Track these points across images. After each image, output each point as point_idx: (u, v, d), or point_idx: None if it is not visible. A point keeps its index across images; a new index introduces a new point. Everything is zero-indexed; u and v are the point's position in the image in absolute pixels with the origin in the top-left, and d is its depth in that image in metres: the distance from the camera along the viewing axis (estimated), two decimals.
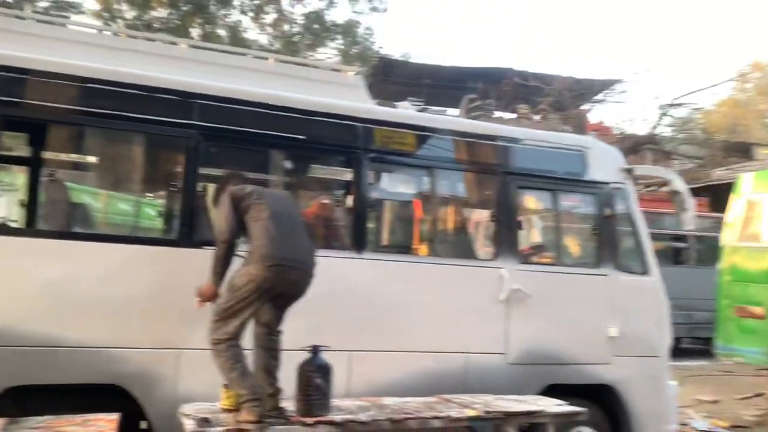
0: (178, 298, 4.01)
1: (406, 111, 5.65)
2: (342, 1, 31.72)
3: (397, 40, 65.43)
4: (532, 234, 6.24)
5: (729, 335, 8.60)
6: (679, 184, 5.58)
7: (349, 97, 4.89)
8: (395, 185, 6.09)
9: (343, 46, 25.05)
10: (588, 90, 20.61)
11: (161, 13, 22.28)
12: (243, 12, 23.71)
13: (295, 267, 3.71)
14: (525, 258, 5.18)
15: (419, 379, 4.55)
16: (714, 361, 10.37)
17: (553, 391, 4.80)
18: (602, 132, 20.33)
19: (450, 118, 12.84)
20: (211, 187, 4.59)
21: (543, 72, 20.90)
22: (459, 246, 5.72)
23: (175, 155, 4.61)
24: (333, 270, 4.19)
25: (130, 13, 21.75)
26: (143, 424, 4.10)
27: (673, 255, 13.22)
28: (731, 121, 37.14)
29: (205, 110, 4.29)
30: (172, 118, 4.23)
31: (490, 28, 67.57)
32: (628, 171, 5.50)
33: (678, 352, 11.17)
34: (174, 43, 5.29)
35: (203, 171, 4.53)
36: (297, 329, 3.87)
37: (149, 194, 6.09)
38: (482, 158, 5.09)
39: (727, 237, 8.86)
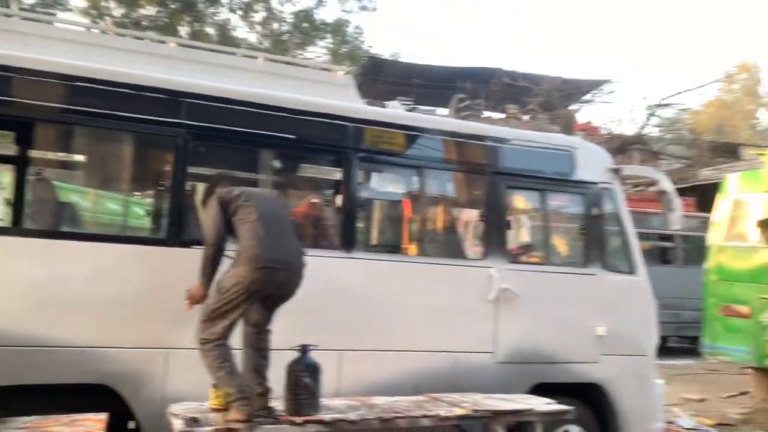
0: (166, 298, 4.00)
1: (395, 111, 5.66)
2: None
3: (386, 39, 65.46)
4: (520, 234, 6.27)
5: (715, 334, 8.68)
6: (666, 184, 5.62)
7: (338, 96, 4.89)
8: (385, 185, 6.10)
9: (332, 45, 25.03)
10: (576, 90, 20.72)
11: (149, 10, 22.17)
12: (232, 10, 23.64)
13: (284, 269, 3.71)
14: (514, 257, 5.20)
15: (408, 378, 4.56)
16: (700, 360, 10.47)
17: (541, 389, 4.82)
18: (590, 132, 20.45)
19: (439, 118, 12.87)
20: (200, 186, 4.58)
21: (532, 72, 20.98)
22: (448, 245, 5.74)
23: (163, 154, 4.59)
24: (322, 269, 4.19)
25: (118, 11, 21.62)
26: (131, 424, 4.09)
27: (660, 254, 13.31)
28: (718, 121, 37.45)
29: (194, 109, 4.27)
30: (161, 117, 4.21)
31: (479, 27, 67.67)
32: (616, 171, 5.54)
33: (665, 350, 11.28)
34: (163, 42, 5.27)
35: (192, 170, 4.51)
36: (286, 328, 3.87)
37: (138, 193, 6.06)
38: (471, 158, 5.11)
39: (714, 236, 8.93)
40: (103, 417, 3.53)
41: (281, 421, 3.63)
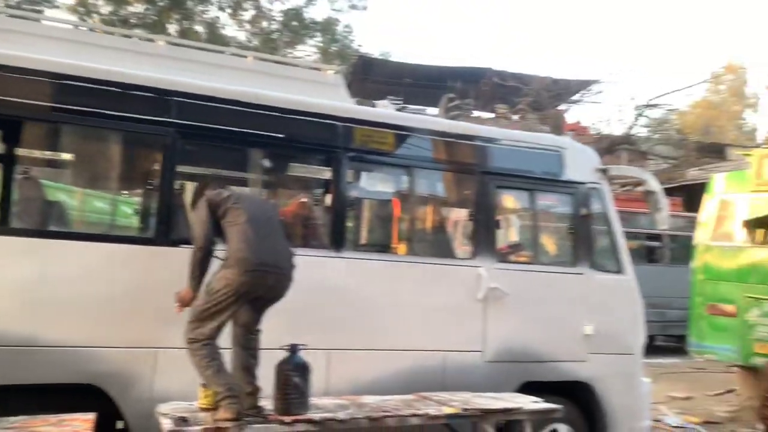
0: (155, 297, 3.99)
1: (385, 110, 5.66)
2: None
3: (376, 38, 65.47)
4: (509, 233, 6.29)
5: (701, 333, 8.74)
6: (654, 184, 5.67)
7: (328, 95, 4.89)
8: (374, 184, 6.10)
9: (322, 44, 24.99)
10: (565, 90, 20.81)
11: (138, 8, 22.03)
12: (221, 8, 23.54)
13: (273, 271, 3.71)
14: (503, 257, 5.22)
15: (398, 377, 4.57)
16: (687, 359, 10.55)
17: (529, 388, 4.84)
18: (579, 132, 20.56)
19: (429, 117, 12.88)
20: (189, 185, 4.56)
21: (521, 72, 21.07)
22: (438, 245, 5.75)
23: (152, 153, 4.57)
24: (312, 269, 4.19)
25: (105, 8, 21.47)
26: (120, 424, 4.07)
27: (647, 254, 13.40)
28: (705, 122, 37.75)
29: (182, 108, 4.25)
30: (150, 116, 4.19)
31: (469, 26, 67.80)
32: (604, 171, 5.57)
33: (652, 349, 11.35)
34: (151, 40, 5.25)
35: (181, 169, 4.50)
36: (275, 328, 3.87)
37: (126, 192, 6.03)
38: (461, 158, 5.12)
39: (700, 236, 9.00)
40: (91, 417, 3.50)
41: (270, 421, 3.63)
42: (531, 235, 5.47)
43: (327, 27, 24.97)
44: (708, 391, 9.72)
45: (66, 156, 5.47)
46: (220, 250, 3.75)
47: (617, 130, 20.49)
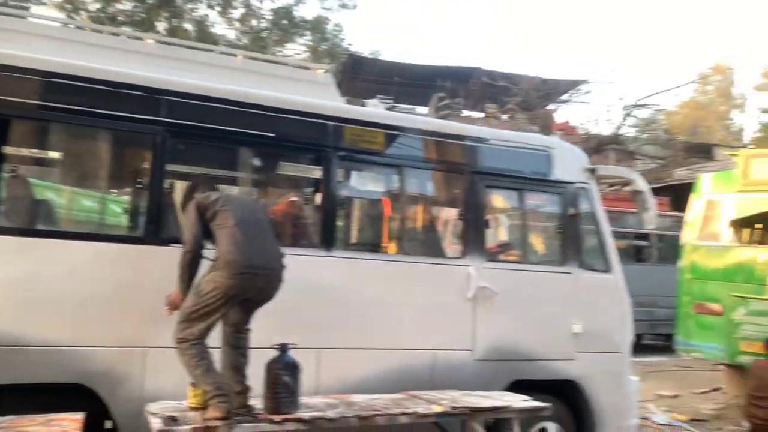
0: (144, 296, 3.98)
1: (375, 110, 5.66)
2: None
3: (366, 37, 65.43)
4: (499, 232, 6.32)
5: (688, 331, 8.82)
6: (641, 184, 5.71)
7: (318, 94, 4.89)
8: (364, 183, 6.11)
9: (311, 43, 24.95)
10: (554, 90, 20.90)
11: (126, 5, 21.90)
12: (210, 6, 23.44)
13: (263, 274, 3.70)
14: (492, 256, 5.24)
15: (388, 376, 4.58)
16: (674, 357, 10.65)
17: (518, 386, 4.87)
18: (568, 132, 20.65)
19: (419, 117, 12.91)
20: (179, 184, 4.55)
21: (510, 72, 21.14)
22: (427, 244, 5.77)
23: (141, 152, 4.55)
24: (302, 268, 4.19)
25: (93, 5, 21.32)
26: (108, 424, 4.05)
27: (635, 253, 13.49)
28: (693, 122, 38.03)
29: (172, 106, 4.24)
30: (139, 114, 4.17)
31: (459, 25, 67.93)
32: (592, 171, 5.61)
33: (640, 347, 11.43)
34: (140, 38, 5.22)
35: (170, 168, 4.48)
36: (265, 327, 3.87)
37: (115, 191, 6.00)
38: (451, 157, 5.14)
39: (688, 236, 9.08)
40: (79, 416, 3.49)
41: (260, 420, 3.63)
42: (520, 234, 5.50)
43: (317, 26, 24.93)
44: (695, 389, 9.80)
45: (54, 154, 5.44)
46: (209, 250, 3.75)
47: (605, 130, 20.64)
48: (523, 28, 73.74)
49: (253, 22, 24.66)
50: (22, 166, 5.02)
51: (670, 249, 12.21)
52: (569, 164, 5.49)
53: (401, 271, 4.80)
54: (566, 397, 5.20)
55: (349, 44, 25.86)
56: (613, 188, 15.30)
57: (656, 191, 8.78)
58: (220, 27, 23.81)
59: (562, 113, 28.94)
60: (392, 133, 4.93)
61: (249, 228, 3.72)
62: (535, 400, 4.50)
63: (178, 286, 3.69)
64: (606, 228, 5.55)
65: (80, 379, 3.87)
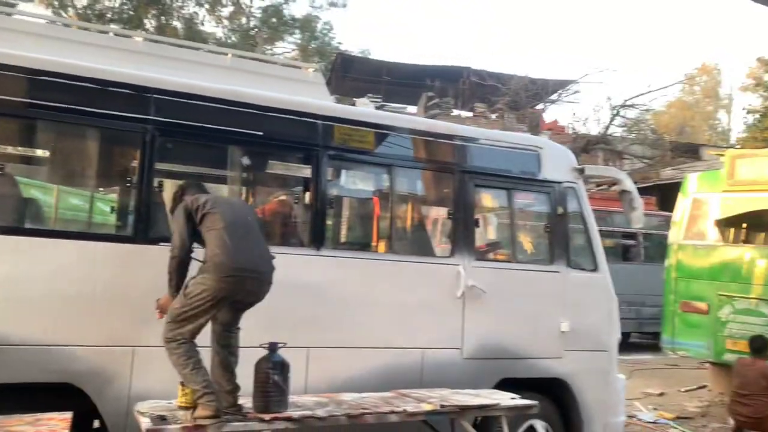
0: (132, 295, 3.97)
1: (365, 109, 5.69)
2: None
3: (356, 35, 65.39)
4: (487, 231, 6.35)
5: (675, 330, 8.91)
6: (628, 184, 5.76)
7: (308, 93, 4.89)
8: (354, 182, 6.12)
9: (301, 41, 24.92)
10: (543, 90, 20.99)
11: (114, 2, 21.76)
12: (199, 4, 23.36)
13: (251, 276, 3.69)
14: (481, 255, 5.28)
15: (377, 375, 4.59)
16: (661, 355, 10.74)
17: (507, 384, 4.90)
18: (556, 131, 20.76)
19: (409, 116, 12.91)
20: (168, 183, 4.54)
21: (500, 72, 21.22)
22: (417, 243, 5.78)
23: (130, 150, 4.53)
24: (291, 267, 4.20)
25: (80, 2, 21.17)
26: (96, 423, 4.04)
27: (622, 252, 13.58)
28: (680, 122, 38.32)
29: (161, 105, 4.23)
30: (127, 113, 4.16)
31: (449, 23, 68.07)
32: (580, 171, 5.65)
33: (627, 346, 11.54)
34: (129, 36, 5.20)
35: (159, 166, 4.46)
36: (255, 326, 3.87)
37: (103, 190, 5.96)
38: (440, 157, 5.16)
39: (674, 235, 9.16)
40: (67, 416, 3.47)
41: (249, 418, 3.63)
42: (509, 233, 5.53)
43: (306, 24, 24.91)
44: (681, 386, 9.90)
45: (41, 152, 5.41)
46: (198, 249, 3.74)
47: (594, 129, 20.73)
48: (513, 26, 74.03)
49: (243, 21, 24.59)
50: (9, 164, 4.98)
51: (657, 248, 12.32)
52: (558, 164, 5.53)
53: (390, 270, 4.81)
54: (554, 395, 5.23)
55: (339, 43, 25.89)
56: (600, 188, 15.42)
57: (643, 191, 8.86)
58: (209, 25, 23.72)
59: (550, 113, 29.11)
60: (382, 132, 4.94)
61: (238, 230, 3.72)
62: (524, 398, 4.53)
63: (168, 290, 3.69)
64: (594, 227, 5.59)
65: (68, 378, 3.85)
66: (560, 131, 21.39)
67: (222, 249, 3.61)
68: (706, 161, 19.71)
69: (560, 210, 5.43)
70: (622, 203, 5.83)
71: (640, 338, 14.30)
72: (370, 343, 4.64)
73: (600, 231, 5.77)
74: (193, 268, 3.73)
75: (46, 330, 3.81)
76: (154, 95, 4.23)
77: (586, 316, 5.38)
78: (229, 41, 22.98)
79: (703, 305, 8.53)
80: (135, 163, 4.30)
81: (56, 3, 20.63)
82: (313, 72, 5.29)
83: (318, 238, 4.64)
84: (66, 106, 4.03)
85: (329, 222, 5.45)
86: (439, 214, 6.06)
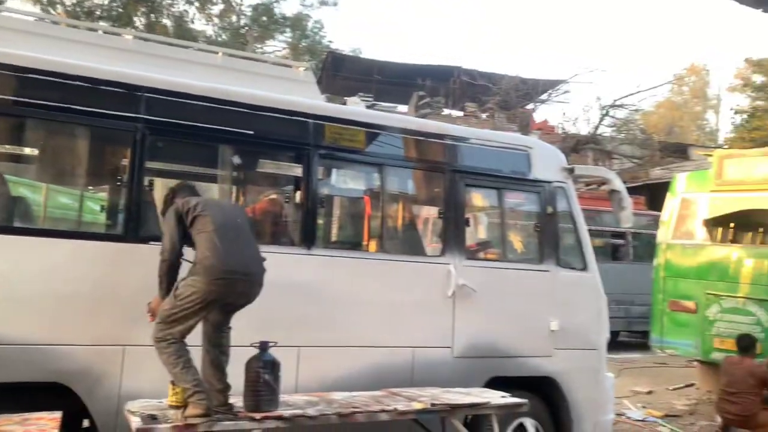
0: (122, 294, 3.96)
1: (356, 108, 5.68)
2: None
3: (347, 34, 65.35)
4: (478, 231, 6.37)
5: (663, 329, 8.96)
6: (617, 184, 5.80)
7: (299, 92, 4.89)
8: (345, 182, 6.12)
9: (292, 40, 24.87)
10: (533, 90, 21.06)
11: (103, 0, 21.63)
12: (189, 2, 23.24)
13: (242, 279, 3.69)
14: (471, 254, 5.29)
15: (368, 374, 4.60)
16: (649, 354, 10.81)
17: (497, 383, 4.92)
18: (546, 131, 20.84)
19: (400, 116, 12.92)
20: (158, 182, 4.52)
21: (490, 71, 21.27)
22: (407, 242, 5.79)
23: (120, 149, 4.51)
24: (282, 266, 4.19)
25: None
26: (86, 422, 4.02)
27: (611, 251, 13.65)
28: (669, 122, 38.56)
29: (151, 103, 4.22)
30: (117, 111, 4.14)
31: (440, 22, 68.15)
32: (570, 170, 5.68)
33: (616, 344, 11.61)
34: (118, 34, 5.17)
35: (149, 165, 4.44)
36: (246, 325, 3.86)
37: (93, 188, 5.93)
38: (431, 156, 5.17)
39: (663, 234, 9.22)
40: (57, 415, 3.46)
41: (240, 417, 3.62)
42: (499, 232, 5.55)
43: (297, 23, 24.85)
44: (669, 385, 9.97)
45: (31, 151, 5.37)
46: (189, 251, 3.74)
47: (583, 129, 20.83)
48: (504, 25, 74.23)
49: (233, 19, 24.51)
50: None
51: (645, 247, 12.40)
52: (548, 164, 5.56)
53: (381, 270, 4.82)
54: (544, 393, 5.26)
55: (330, 41, 25.85)
56: (590, 187, 15.49)
57: (632, 190, 8.90)
58: (199, 23, 23.63)
59: (540, 113, 29.21)
60: (373, 131, 4.95)
61: (228, 233, 3.71)
62: (514, 396, 4.55)
63: (158, 292, 3.69)
64: (583, 226, 5.63)
65: (58, 377, 3.84)
66: (550, 131, 21.48)
67: (212, 252, 3.60)
68: (694, 161, 19.85)
69: (550, 209, 5.46)
70: (612, 203, 5.87)
71: (629, 337, 14.38)
72: (361, 342, 4.64)
73: (589, 230, 5.80)
74: (185, 268, 3.73)
75: (34, 329, 3.79)
76: (145, 94, 4.21)
77: (576, 314, 5.41)
78: (219, 39, 22.89)
79: (691, 304, 8.59)
80: (125, 162, 4.29)
81: (44, 0, 20.48)
82: (303, 71, 5.29)
83: (309, 238, 4.64)
84: (55, 104, 4.01)
85: (320, 221, 5.45)
86: (429, 213, 6.08)
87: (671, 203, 9.21)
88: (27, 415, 3.42)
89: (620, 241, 13.65)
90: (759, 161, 8.28)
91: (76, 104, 4.05)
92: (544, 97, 22.83)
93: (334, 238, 6.36)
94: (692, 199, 8.96)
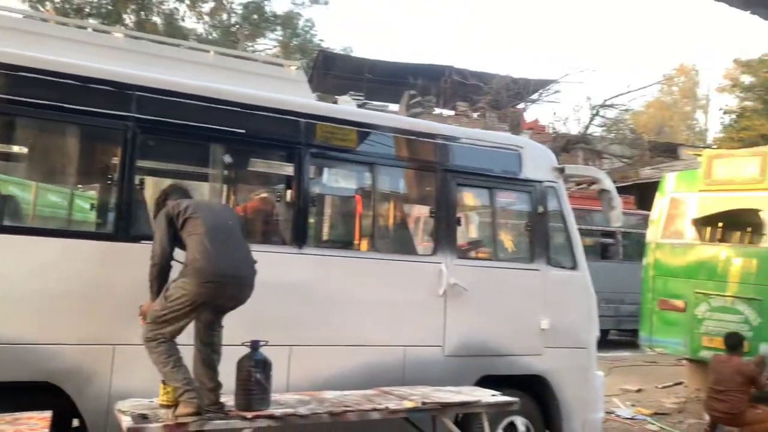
0: (112, 293, 3.95)
1: (348, 107, 5.69)
2: None
3: (338, 33, 65.28)
4: (469, 230, 6.39)
5: (653, 327, 9.01)
6: (607, 183, 5.83)
7: (290, 91, 4.89)
8: (336, 181, 6.12)
9: (282, 38, 24.82)
10: (524, 89, 21.14)
11: None
12: None
13: (232, 282, 3.68)
14: (463, 253, 5.31)
15: (359, 372, 4.61)
16: (639, 352, 10.87)
17: (487, 381, 4.94)
18: (537, 130, 20.92)
19: (391, 115, 12.91)
20: (149, 181, 4.51)
21: (482, 71, 21.32)
22: (399, 241, 5.80)
23: (111, 147, 4.49)
24: (273, 265, 4.19)
25: None
26: (75, 422, 4.01)
27: (601, 250, 13.71)
28: (658, 122, 38.77)
29: (142, 102, 4.20)
30: (108, 110, 4.12)
31: (431, 21, 68.18)
32: (560, 170, 5.70)
33: (605, 343, 11.67)
34: (108, 32, 5.15)
35: (140, 164, 4.43)
36: (237, 324, 3.86)
37: (84, 187, 5.90)
38: (422, 155, 5.18)
39: (652, 234, 9.27)
40: (47, 415, 3.44)
41: (231, 416, 3.63)
42: (490, 232, 5.57)
43: (288, 21, 24.80)
44: (658, 383, 10.03)
45: (20, 149, 5.34)
46: (180, 253, 3.73)
47: (574, 129, 20.92)
48: (495, 24, 74.38)
49: (224, 17, 24.42)
50: None
51: (635, 246, 12.46)
52: (538, 163, 5.58)
53: (373, 269, 4.82)
54: (534, 391, 5.29)
55: (321, 40, 25.81)
56: (580, 187, 15.57)
57: (622, 190, 8.96)
58: (189, 21, 23.53)
59: (531, 112, 29.31)
60: (364, 130, 4.96)
61: (219, 235, 3.70)
62: (504, 395, 4.57)
63: (150, 296, 3.69)
64: (573, 226, 5.65)
65: (48, 377, 3.82)
66: (541, 131, 21.56)
67: (202, 254, 3.60)
68: (683, 161, 19.97)
69: (541, 209, 5.48)
70: (602, 202, 5.90)
71: (619, 335, 14.45)
72: (353, 341, 4.65)
73: (579, 229, 5.83)
74: (177, 269, 3.72)
75: (24, 328, 3.77)
76: (135, 92, 4.20)
77: (566, 313, 5.44)
78: (210, 37, 22.80)
79: (680, 303, 8.65)
80: (116, 161, 4.27)
81: None
82: (294, 69, 5.29)
83: (300, 237, 4.64)
84: (44, 102, 3.98)
85: (311, 220, 5.45)
86: (421, 212, 6.09)
87: (660, 203, 9.26)
88: (17, 414, 3.40)
89: (610, 241, 13.71)
90: (747, 161, 8.34)
91: (66, 102, 4.03)
92: (534, 96, 22.91)
93: (325, 237, 6.35)
94: (681, 199, 9.01)
